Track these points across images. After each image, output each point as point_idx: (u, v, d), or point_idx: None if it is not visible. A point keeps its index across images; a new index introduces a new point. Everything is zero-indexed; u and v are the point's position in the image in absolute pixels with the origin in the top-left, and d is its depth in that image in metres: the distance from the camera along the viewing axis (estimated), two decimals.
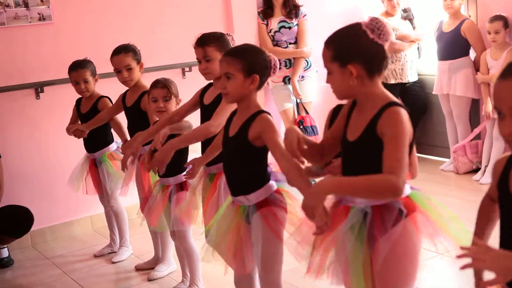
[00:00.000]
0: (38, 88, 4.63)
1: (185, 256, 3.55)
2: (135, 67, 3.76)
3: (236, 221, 2.58)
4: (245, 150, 2.50)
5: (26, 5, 4.53)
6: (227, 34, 3.15)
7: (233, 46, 2.63)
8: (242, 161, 2.54)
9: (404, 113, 1.96)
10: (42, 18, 4.61)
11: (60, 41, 4.69)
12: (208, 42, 3.04)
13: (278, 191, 2.55)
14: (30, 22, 4.57)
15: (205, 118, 3.07)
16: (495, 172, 1.79)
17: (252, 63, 2.49)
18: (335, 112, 2.38)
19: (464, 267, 1.57)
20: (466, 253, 1.55)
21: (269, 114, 2.52)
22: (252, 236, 2.55)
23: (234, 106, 2.68)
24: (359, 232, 2.05)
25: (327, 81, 2.10)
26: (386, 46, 2.02)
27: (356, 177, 1.96)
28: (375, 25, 2.00)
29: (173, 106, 3.40)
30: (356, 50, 2.00)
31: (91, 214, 4.89)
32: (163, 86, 3.40)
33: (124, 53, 3.74)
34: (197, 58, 3.10)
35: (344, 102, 2.31)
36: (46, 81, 4.63)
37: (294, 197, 2.54)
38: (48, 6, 4.60)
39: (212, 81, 3.14)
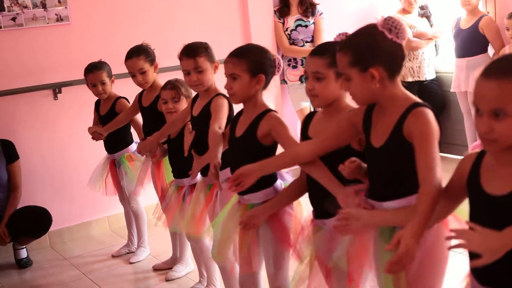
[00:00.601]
0: (56, 89, 4.65)
1: (201, 257, 3.54)
2: (148, 69, 3.75)
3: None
4: (254, 149, 2.51)
5: (44, 6, 4.55)
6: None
7: (238, 47, 2.60)
8: (250, 160, 2.50)
9: (430, 113, 1.93)
10: (59, 19, 4.62)
11: (78, 41, 4.70)
12: (198, 52, 3.00)
13: None
14: (48, 23, 4.59)
15: (195, 129, 3.06)
16: (462, 168, 1.78)
17: (258, 63, 2.52)
18: (307, 120, 2.39)
19: (451, 248, 1.69)
20: (455, 235, 1.66)
21: (276, 112, 2.54)
22: (260, 235, 2.55)
23: (225, 101, 2.85)
24: (389, 237, 1.97)
25: (344, 88, 2.06)
26: (404, 44, 1.99)
27: (410, 210, 1.86)
28: (392, 24, 1.96)
29: (183, 107, 3.38)
30: (377, 53, 1.95)
31: (109, 215, 4.90)
32: (172, 87, 3.39)
33: (136, 56, 3.73)
34: (184, 70, 3.04)
35: (318, 109, 2.36)
36: (64, 81, 4.64)
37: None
38: (66, 7, 4.62)
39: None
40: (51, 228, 4.48)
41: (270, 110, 2.54)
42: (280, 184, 2.58)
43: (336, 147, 2.17)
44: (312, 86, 2.25)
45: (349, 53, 1.97)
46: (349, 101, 2.27)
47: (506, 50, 5.04)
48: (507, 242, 1.57)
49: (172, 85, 3.41)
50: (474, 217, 1.71)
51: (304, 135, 2.35)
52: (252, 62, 2.50)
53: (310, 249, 2.36)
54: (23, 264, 4.40)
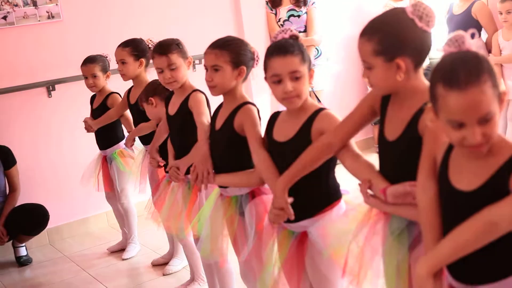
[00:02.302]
0: (50, 86, 4.64)
1: (186, 253, 3.53)
2: (131, 63, 3.75)
3: (229, 213, 2.60)
4: (233, 141, 2.51)
5: (35, 4, 4.53)
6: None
7: (217, 39, 2.56)
8: (230, 151, 2.55)
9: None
10: (51, 16, 4.61)
11: (70, 38, 4.69)
12: (170, 49, 2.96)
13: None
14: (39, 20, 4.58)
15: (172, 129, 3.05)
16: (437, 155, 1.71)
17: (240, 55, 2.51)
18: (272, 120, 2.35)
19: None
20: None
21: (254, 105, 2.53)
22: (248, 226, 2.54)
23: (202, 96, 2.85)
24: (400, 236, 1.91)
25: (365, 76, 1.89)
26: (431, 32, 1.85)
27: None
28: (423, 11, 1.79)
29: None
30: (406, 43, 1.78)
31: (107, 210, 4.90)
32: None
33: (122, 47, 3.77)
34: (157, 68, 2.99)
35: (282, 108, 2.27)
36: (57, 79, 4.64)
37: None
38: (57, 4, 4.60)
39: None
40: (50, 225, 4.49)
41: (248, 102, 2.53)
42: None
43: (359, 129, 2.08)
44: (292, 87, 2.15)
45: (374, 40, 1.80)
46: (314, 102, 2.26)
47: (499, 34, 5.04)
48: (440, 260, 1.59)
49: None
50: (445, 212, 1.66)
51: (269, 136, 2.32)
52: (234, 54, 2.49)
53: (281, 253, 2.33)
54: (23, 262, 4.40)
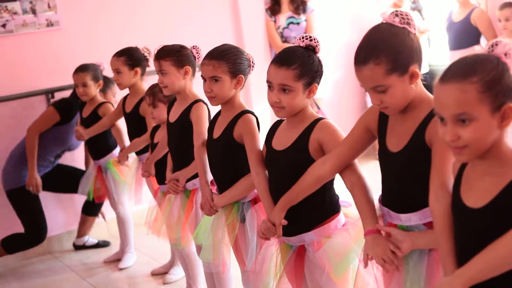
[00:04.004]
0: (49, 94, 4.63)
1: (186, 260, 3.49)
2: (126, 72, 3.75)
3: (230, 220, 2.60)
4: (232, 150, 2.52)
5: (34, 12, 4.53)
6: (192, 47, 3.05)
7: (213, 48, 2.56)
8: (229, 160, 2.55)
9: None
10: (50, 24, 4.60)
11: (69, 46, 4.68)
12: (164, 56, 2.97)
13: None
14: (38, 28, 4.57)
15: (171, 136, 3.05)
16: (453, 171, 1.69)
17: (237, 64, 2.51)
18: (272, 129, 2.35)
19: None
20: None
21: (252, 114, 2.53)
22: (249, 233, 2.54)
23: (205, 109, 2.85)
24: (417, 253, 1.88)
25: (377, 101, 1.83)
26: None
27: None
28: (406, 18, 1.82)
29: (162, 112, 3.27)
30: (410, 50, 1.80)
31: (107, 218, 4.88)
32: (149, 94, 3.40)
33: (117, 56, 3.78)
34: (156, 70, 3.04)
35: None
36: (57, 87, 4.63)
37: None
38: (56, 12, 4.60)
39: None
40: (50, 233, 4.48)
41: (247, 111, 2.53)
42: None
43: (354, 157, 2.06)
44: (278, 98, 2.15)
45: (382, 61, 1.77)
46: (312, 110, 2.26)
47: None
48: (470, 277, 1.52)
49: (149, 91, 3.39)
50: (457, 230, 1.63)
51: (268, 145, 2.31)
52: (232, 64, 2.50)
53: (279, 267, 2.32)
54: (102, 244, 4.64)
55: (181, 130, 2.94)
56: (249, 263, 2.53)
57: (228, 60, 2.50)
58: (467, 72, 1.47)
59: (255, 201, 2.56)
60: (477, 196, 1.54)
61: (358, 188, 2.04)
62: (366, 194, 2.03)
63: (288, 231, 2.24)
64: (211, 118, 2.79)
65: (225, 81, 2.50)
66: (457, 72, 1.49)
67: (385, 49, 1.78)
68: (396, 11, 1.83)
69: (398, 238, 1.86)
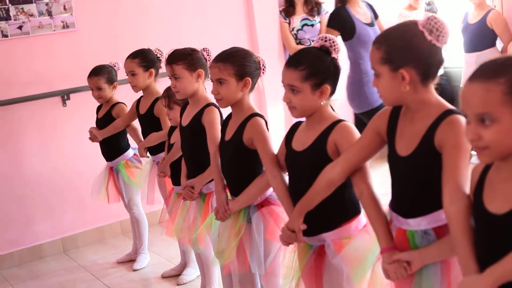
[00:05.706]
0: (65, 95, 4.67)
1: (203, 261, 3.50)
2: (141, 74, 3.76)
3: (237, 221, 2.61)
4: (242, 153, 2.54)
5: (50, 14, 4.57)
6: (203, 49, 3.06)
7: (222, 51, 2.58)
8: (240, 163, 2.57)
9: (464, 122, 1.67)
10: (65, 26, 4.64)
11: (84, 47, 4.72)
12: (176, 60, 2.98)
13: None
14: (54, 30, 4.61)
15: (183, 140, 3.06)
16: (472, 179, 1.66)
17: (244, 66, 2.52)
18: (292, 130, 2.35)
19: None
20: None
21: (261, 117, 2.55)
22: (254, 235, 2.56)
23: (216, 112, 2.86)
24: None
25: (374, 84, 1.89)
26: (444, 48, 1.85)
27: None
28: (434, 25, 1.79)
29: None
30: (411, 53, 1.80)
31: (121, 219, 4.91)
32: (165, 96, 3.39)
33: (130, 58, 3.78)
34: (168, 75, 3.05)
35: (302, 119, 2.28)
36: (72, 88, 4.66)
37: None
38: (71, 14, 4.64)
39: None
40: (65, 234, 4.50)
41: (256, 114, 2.54)
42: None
43: (364, 161, 2.06)
44: (289, 98, 2.19)
45: (381, 49, 1.83)
46: (333, 111, 2.26)
47: None
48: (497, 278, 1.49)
49: (165, 93, 3.39)
50: (477, 233, 1.61)
51: (288, 146, 2.32)
52: (238, 66, 2.51)
53: (298, 267, 2.33)
54: None
55: (193, 134, 2.95)
56: (255, 265, 2.55)
57: (234, 63, 2.51)
58: (495, 72, 1.47)
59: (261, 204, 2.58)
60: (501, 201, 1.52)
61: (366, 197, 2.05)
62: (374, 205, 2.03)
63: (308, 231, 2.24)
64: (223, 119, 2.80)
65: (231, 83, 2.51)
66: (485, 71, 1.49)
67: (389, 40, 1.85)
68: (432, 16, 1.83)
69: (407, 260, 1.87)
